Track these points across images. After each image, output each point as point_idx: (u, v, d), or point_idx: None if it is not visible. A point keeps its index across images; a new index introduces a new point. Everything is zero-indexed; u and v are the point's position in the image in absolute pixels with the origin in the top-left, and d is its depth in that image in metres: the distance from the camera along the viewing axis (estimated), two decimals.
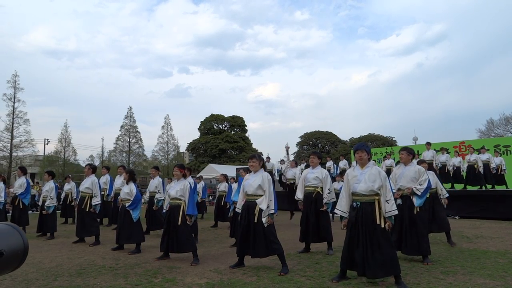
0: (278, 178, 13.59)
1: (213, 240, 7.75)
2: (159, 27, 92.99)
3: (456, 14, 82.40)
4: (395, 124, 75.16)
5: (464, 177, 12.22)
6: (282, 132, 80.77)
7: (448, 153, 13.31)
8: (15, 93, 30.95)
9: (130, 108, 41.72)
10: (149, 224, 8.61)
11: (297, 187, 6.35)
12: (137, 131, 41.62)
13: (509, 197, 10.51)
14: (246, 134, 49.36)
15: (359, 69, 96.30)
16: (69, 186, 11.36)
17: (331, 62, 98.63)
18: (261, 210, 4.68)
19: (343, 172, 13.87)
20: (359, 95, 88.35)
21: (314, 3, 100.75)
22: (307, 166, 8.95)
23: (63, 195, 11.88)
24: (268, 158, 15.67)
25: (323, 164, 8.52)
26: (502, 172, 12.34)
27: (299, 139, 52.71)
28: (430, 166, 7.14)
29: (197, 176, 17.71)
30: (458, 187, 12.35)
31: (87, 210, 7.28)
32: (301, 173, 6.70)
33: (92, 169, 7.71)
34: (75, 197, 10.62)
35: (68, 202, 11.23)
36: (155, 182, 8.83)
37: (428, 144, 13.00)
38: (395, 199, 4.63)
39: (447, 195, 6.78)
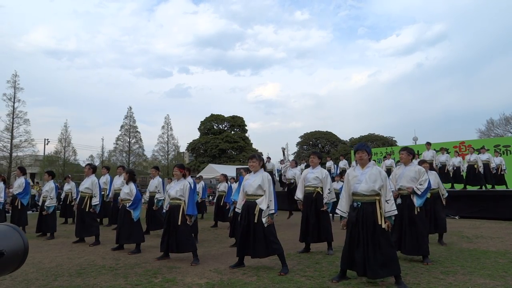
0: (278, 178, 13.58)
1: (213, 240, 7.75)
2: (159, 27, 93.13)
3: (456, 14, 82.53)
4: (395, 124, 75.27)
5: (464, 177, 12.22)
6: (282, 132, 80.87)
7: (448, 153, 13.32)
8: (15, 93, 30.99)
9: (130, 108, 41.80)
10: (149, 224, 8.61)
11: (297, 187, 6.35)
12: (137, 131, 41.68)
13: (509, 197, 10.51)
14: (246, 134, 49.38)
15: (359, 69, 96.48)
16: (69, 186, 11.36)
17: (331, 62, 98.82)
18: (261, 210, 4.68)
19: (343, 172, 13.89)
20: (359, 95, 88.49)
21: (314, 3, 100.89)
22: (307, 166, 8.95)
23: (63, 195, 11.89)
24: (269, 158, 15.64)
25: (323, 164, 8.52)
26: (502, 172, 12.35)
27: (299, 139, 52.79)
28: (430, 166, 7.17)
29: (197, 176, 17.71)
30: (458, 187, 12.35)
31: (86, 210, 7.27)
32: (301, 173, 6.70)
33: (92, 169, 7.71)
34: (75, 197, 10.62)
35: (68, 202, 11.23)
36: (155, 182, 8.84)
37: (428, 144, 13.00)
38: (395, 199, 4.64)
39: (447, 194, 6.86)
